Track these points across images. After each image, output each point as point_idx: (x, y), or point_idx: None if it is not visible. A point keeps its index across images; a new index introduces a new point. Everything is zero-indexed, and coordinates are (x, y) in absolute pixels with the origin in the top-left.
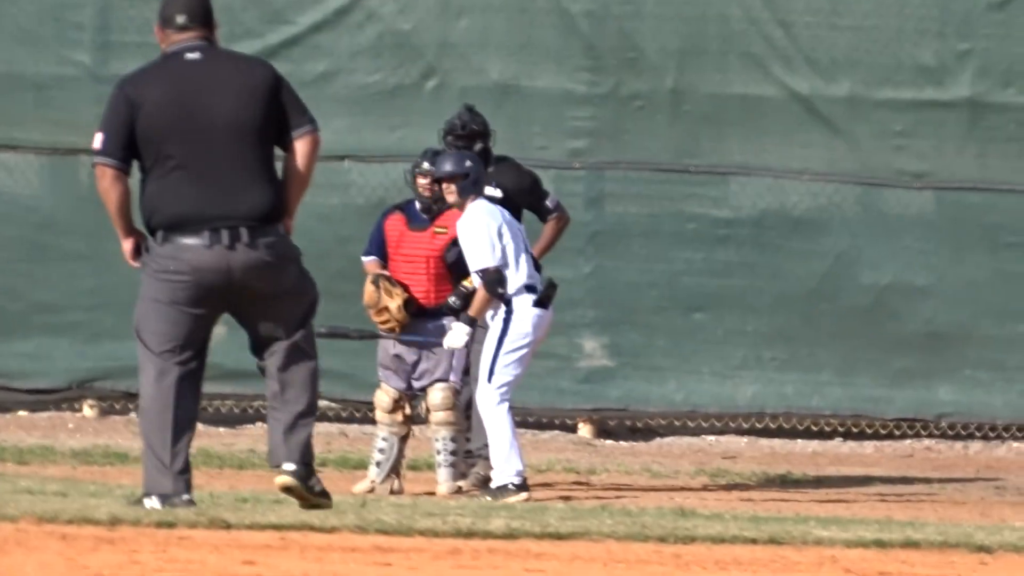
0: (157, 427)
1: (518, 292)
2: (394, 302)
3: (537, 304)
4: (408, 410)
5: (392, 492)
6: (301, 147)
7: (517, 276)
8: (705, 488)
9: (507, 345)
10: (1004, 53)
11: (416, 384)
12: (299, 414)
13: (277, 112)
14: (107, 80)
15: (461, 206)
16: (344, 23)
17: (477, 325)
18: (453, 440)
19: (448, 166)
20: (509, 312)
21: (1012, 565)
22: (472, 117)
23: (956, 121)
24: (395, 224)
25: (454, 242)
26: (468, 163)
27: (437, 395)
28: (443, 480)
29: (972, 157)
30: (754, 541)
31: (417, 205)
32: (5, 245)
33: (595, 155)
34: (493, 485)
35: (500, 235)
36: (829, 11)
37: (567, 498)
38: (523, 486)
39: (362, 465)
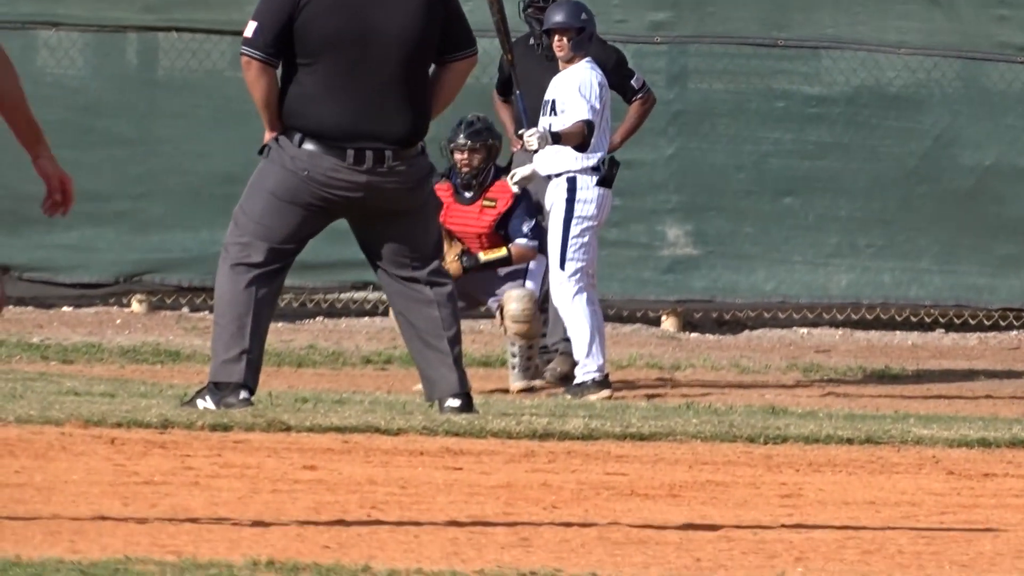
0: (236, 315)
1: (583, 171)
2: (449, 254)
3: (601, 183)
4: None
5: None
6: (459, 68)
7: (592, 152)
8: (797, 384)
9: (574, 228)
10: None
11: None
12: (456, 339)
13: (444, 29)
14: None
15: (570, 61)
16: None
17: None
18: (529, 347)
19: (559, 16)
20: (572, 191)
21: None
22: None
23: None
24: (442, 194)
25: (504, 215)
26: (583, 15)
27: (514, 305)
28: (515, 378)
29: None
30: (850, 441)
31: (457, 181)
32: (48, 130)
33: (677, 28)
34: (574, 382)
35: (600, 100)
36: None
37: (650, 396)
38: (605, 382)
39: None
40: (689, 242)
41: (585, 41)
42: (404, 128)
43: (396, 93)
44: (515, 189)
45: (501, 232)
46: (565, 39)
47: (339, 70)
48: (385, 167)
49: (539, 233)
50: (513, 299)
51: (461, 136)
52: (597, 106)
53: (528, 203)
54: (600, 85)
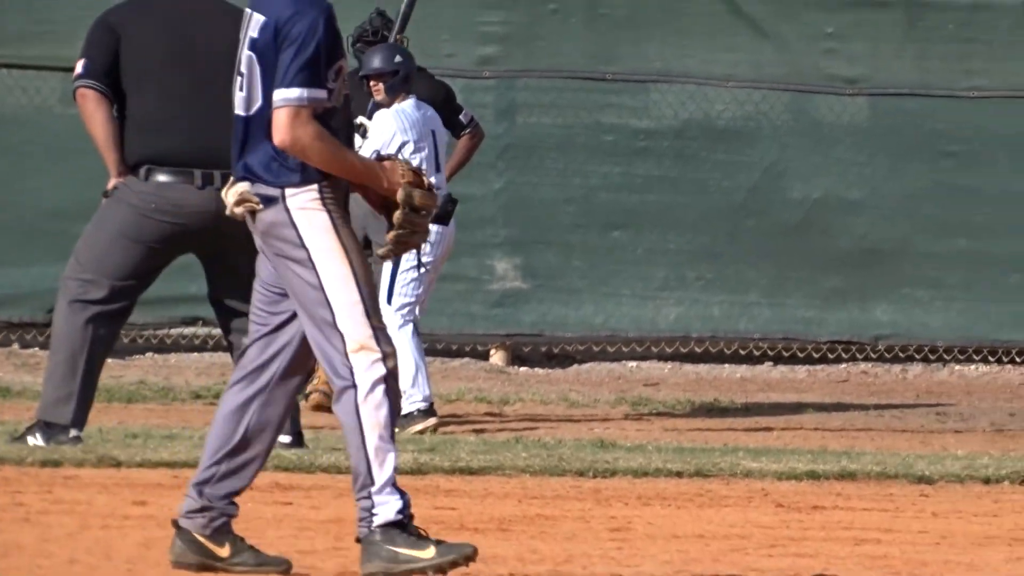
0: (71, 353)
1: None
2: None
3: (435, 220)
4: None
5: None
6: None
7: None
8: (626, 418)
9: (404, 263)
10: None
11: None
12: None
13: None
14: None
15: (388, 105)
16: None
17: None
18: None
19: (373, 62)
20: None
21: (954, 496)
22: (384, 23)
23: (892, 22)
24: None
25: None
26: (398, 58)
27: None
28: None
29: (909, 60)
30: (679, 474)
31: None
32: None
33: (506, 63)
34: (401, 413)
35: (403, 144)
36: None
37: (479, 430)
38: (430, 411)
39: None
40: (518, 276)
41: (400, 84)
42: None
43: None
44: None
45: None
46: (381, 83)
47: (172, 95)
48: None
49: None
50: None
51: None
52: (381, 149)
53: None
54: (410, 135)
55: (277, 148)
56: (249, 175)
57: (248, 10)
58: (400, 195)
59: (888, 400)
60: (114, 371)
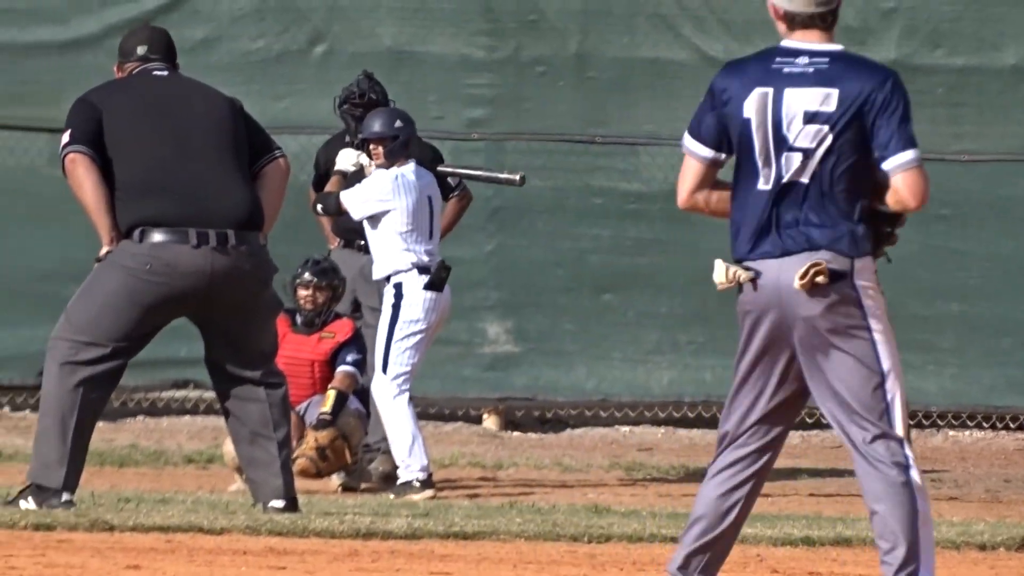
0: (61, 416)
1: (408, 271)
2: (307, 446)
3: (428, 287)
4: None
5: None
6: (273, 170)
7: (407, 254)
8: (620, 483)
9: (399, 331)
10: (931, 12)
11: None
12: (285, 442)
13: (248, 138)
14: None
15: (389, 168)
16: None
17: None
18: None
19: (374, 125)
20: (399, 296)
21: (949, 562)
22: (371, 85)
23: None
24: (280, 326)
25: (339, 347)
26: (398, 123)
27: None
28: (337, 477)
29: None
30: (674, 540)
31: (298, 318)
32: None
33: (495, 125)
34: (397, 482)
35: (386, 211)
36: None
37: (473, 495)
38: (428, 482)
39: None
40: (509, 339)
41: (399, 148)
42: (239, 208)
43: (223, 177)
44: (350, 164)
45: (331, 366)
46: (380, 147)
47: (159, 160)
48: (229, 248)
49: (362, 366)
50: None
51: (307, 273)
52: (366, 208)
53: (361, 340)
54: (402, 202)
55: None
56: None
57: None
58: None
59: None
60: (105, 434)
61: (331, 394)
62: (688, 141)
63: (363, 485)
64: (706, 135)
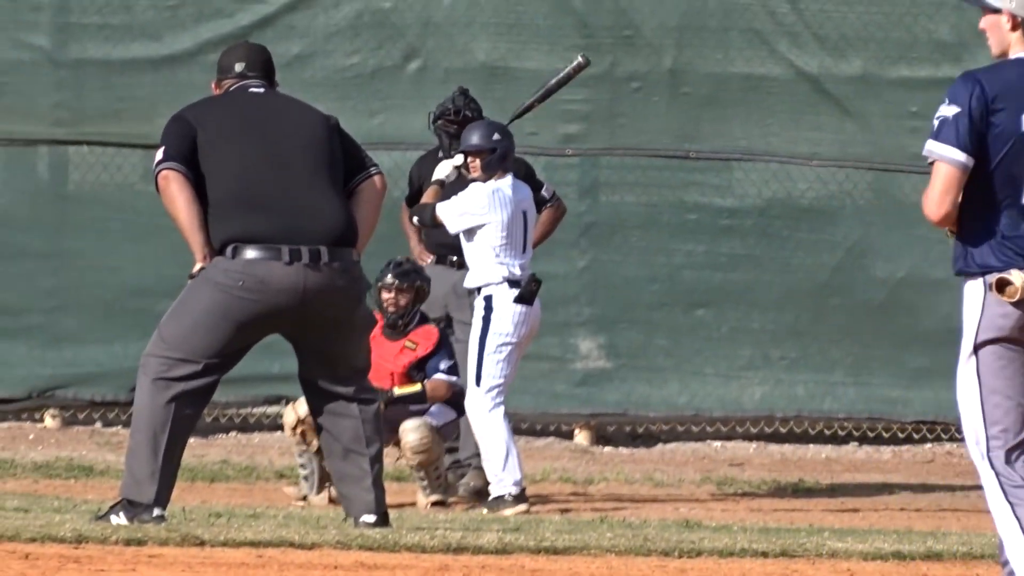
0: (152, 433)
1: (499, 284)
2: None
3: (518, 300)
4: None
5: (331, 501)
6: (369, 188)
7: (499, 267)
8: (711, 497)
9: (490, 344)
10: None
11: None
12: (377, 458)
13: (343, 157)
14: (66, 64)
15: (484, 182)
16: (320, 2)
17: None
18: (435, 469)
19: (472, 138)
20: (489, 308)
21: None
22: (466, 101)
23: None
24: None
25: (421, 361)
26: (496, 136)
27: (411, 436)
28: (426, 493)
29: None
30: (764, 555)
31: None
32: None
33: (589, 141)
34: (490, 496)
35: (481, 224)
36: None
37: (564, 510)
38: (521, 497)
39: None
40: (602, 355)
41: (496, 161)
42: (332, 225)
43: (316, 193)
44: (446, 175)
45: (414, 375)
46: (478, 160)
47: (253, 177)
48: (321, 265)
49: (455, 372)
50: (409, 430)
51: (389, 275)
52: (469, 223)
53: (448, 347)
54: (497, 216)
55: None
56: None
57: None
58: None
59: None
60: (197, 450)
61: (416, 386)
62: (941, 148)
63: (450, 499)
64: (963, 141)
